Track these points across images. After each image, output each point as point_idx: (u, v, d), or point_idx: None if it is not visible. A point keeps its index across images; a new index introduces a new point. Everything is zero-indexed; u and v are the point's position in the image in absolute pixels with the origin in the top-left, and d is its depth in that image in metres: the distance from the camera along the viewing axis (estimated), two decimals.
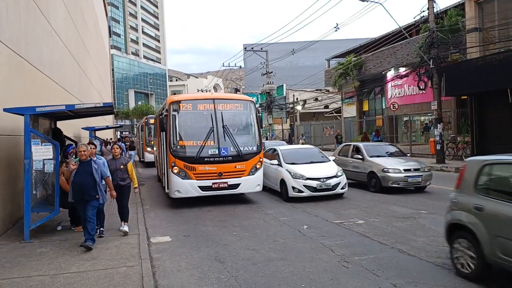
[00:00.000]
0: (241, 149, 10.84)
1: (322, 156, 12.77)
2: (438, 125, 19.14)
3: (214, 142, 10.68)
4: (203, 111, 11.00)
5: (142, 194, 13.40)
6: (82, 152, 7.09)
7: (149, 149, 23.41)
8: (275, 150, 13.08)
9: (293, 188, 11.10)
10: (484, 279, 5.09)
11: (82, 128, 18.34)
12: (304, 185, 11.03)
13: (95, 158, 7.46)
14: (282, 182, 11.62)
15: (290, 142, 43.01)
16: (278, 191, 12.05)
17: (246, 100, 11.90)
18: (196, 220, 9.30)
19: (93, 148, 7.89)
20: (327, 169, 11.63)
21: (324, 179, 11.16)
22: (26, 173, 7.46)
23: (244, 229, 8.31)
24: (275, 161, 12.23)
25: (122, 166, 8.06)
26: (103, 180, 7.41)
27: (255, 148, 11.19)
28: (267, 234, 7.86)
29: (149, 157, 23.05)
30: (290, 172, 11.36)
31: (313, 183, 11.06)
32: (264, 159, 12.12)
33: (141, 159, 26.77)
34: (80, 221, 8.25)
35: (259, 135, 11.49)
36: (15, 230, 8.20)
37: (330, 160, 12.44)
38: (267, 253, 6.65)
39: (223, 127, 10.80)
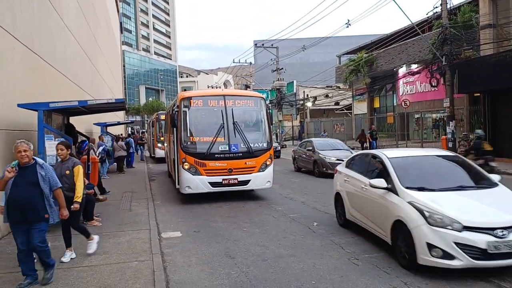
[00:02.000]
0: (251, 145, 10.83)
1: (478, 175, 6.55)
2: (450, 122, 18.96)
3: (224, 139, 10.69)
4: (214, 107, 11.02)
5: (153, 190, 13.50)
6: (23, 153, 5.13)
7: (159, 145, 23.55)
8: (375, 157, 7.23)
9: (431, 246, 5.18)
10: None
11: (94, 124, 18.56)
12: (456, 243, 5.05)
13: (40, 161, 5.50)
14: (399, 228, 5.76)
15: (300, 139, 42.97)
16: (376, 235, 6.69)
17: (257, 96, 11.88)
18: (206, 216, 9.34)
19: (62, 150, 6.25)
20: (504, 206, 5.56)
21: (503, 232, 5.02)
22: None
23: (254, 225, 8.34)
24: (380, 182, 6.30)
25: (67, 172, 6.16)
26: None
27: (265, 145, 11.17)
28: (277, 231, 7.87)
29: (160, 153, 23.19)
30: (421, 211, 5.45)
31: (480, 240, 4.99)
32: (349, 173, 7.75)
33: (152, 155, 26.97)
34: (92, 216, 8.40)
35: (269, 131, 11.47)
36: None
37: (498, 184, 6.19)
38: (277, 249, 6.67)
39: (234, 123, 10.80)
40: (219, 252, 6.57)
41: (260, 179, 10.99)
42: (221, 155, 10.61)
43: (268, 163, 11.13)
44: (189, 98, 11.03)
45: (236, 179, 10.70)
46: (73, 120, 12.04)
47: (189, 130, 10.82)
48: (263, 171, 11.02)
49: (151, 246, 6.75)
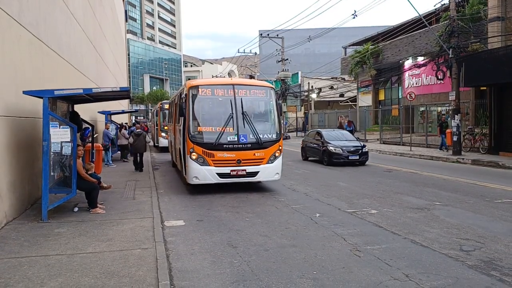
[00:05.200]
0: (261, 136, 10.68)
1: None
2: (456, 116, 18.84)
3: (233, 129, 10.53)
4: (223, 96, 10.84)
5: (156, 179, 13.56)
6: None
7: (163, 134, 23.60)
8: None
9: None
10: None
11: (98, 112, 18.61)
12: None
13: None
14: None
15: (304, 130, 42.89)
16: None
17: (266, 86, 11.63)
18: (209, 206, 9.38)
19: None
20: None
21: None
22: (44, 155, 7.61)
23: (256, 216, 8.37)
24: None
25: None
26: None
27: (274, 136, 11.00)
28: (280, 221, 7.90)
29: (164, 142, 23.26)
30: None
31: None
32: None
33: (156, 144, 27.03)
34: (96, 203, 8.48)
35: (279, 122, 11.28)
36: (33, 210, 8.41)
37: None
38: (279, 239, 6.70)
39: (243, 113, 10.62)
40: (222, 241, 6.60)
41: (268, 171, 10.86)
42: (229, 146, 10.47)
43: (277, 154, 10.96)
44: (198, 87, 10.83)
45: (245, 170, 10.57)
46: (77, 108, 12.06)
47: (197, 120, 10.67)
48: (272, 162, 10.87)
49: (154, 234, 6.80)
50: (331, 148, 16.67)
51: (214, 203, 9.69)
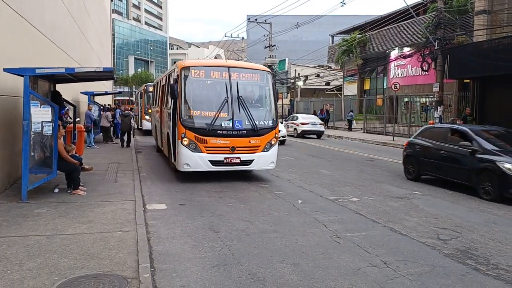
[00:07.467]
0: (256, 123, 10.11)
1: None
2: (439, 107, 19.10)
3: (227, 114, 9.98)
4: (217, 79, 10.25)
5: (139, 162, 13.44)
6: None
7: (147, 117, 23.31)
8: None
9: None
10: None
11: (81, 93, 18.29)
12: None
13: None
14: None
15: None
16: None
17: (264, 70, 11.05)
18: (192, 190, 9.35)
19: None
20: None
21: None
22: (24, 134, 7.46)
23: (239, 201, 8.39)
24: None
25: None
26: None
27: (270, 123, 10.53)
28: (262, 207, 7.94)
29: (147, 125, 22.98)
30: None
31: None
32: None
33: (139, 127, 26.73)
34: (77, 185, 8.39)
35: (275, 109, 10.78)
36: (13, 190, 8.27)
37: None
38: (261, 225, 6.74)
39: (238, 98, 10.06)
40: (204, 226, 6.61)
41: (264, 159, 10.42)
42: (223, 132, 9.92)
43: (273, 142, 10.51)
44: (190, 68, 10.16)
45: (239, 158, 10.03)
46: (59, 88, 11.81)
47: (189, 103, 10.06)
48: (268, 151, 10.42)
49: (135, 217, 6.76)
50: (507, 166, 8.41)
51: (197, 187, 9.66)
